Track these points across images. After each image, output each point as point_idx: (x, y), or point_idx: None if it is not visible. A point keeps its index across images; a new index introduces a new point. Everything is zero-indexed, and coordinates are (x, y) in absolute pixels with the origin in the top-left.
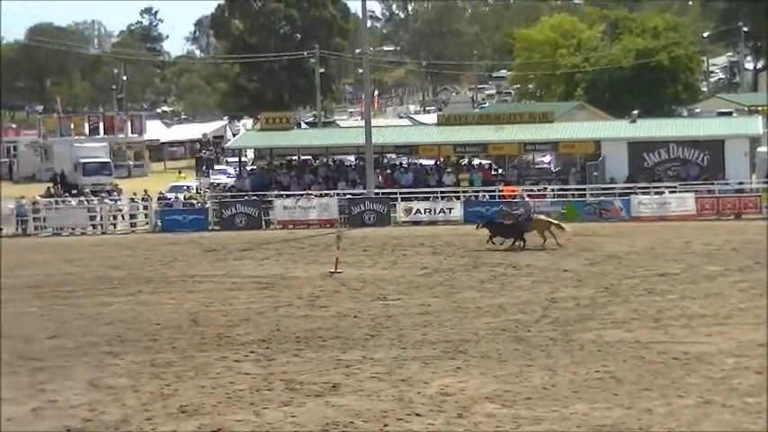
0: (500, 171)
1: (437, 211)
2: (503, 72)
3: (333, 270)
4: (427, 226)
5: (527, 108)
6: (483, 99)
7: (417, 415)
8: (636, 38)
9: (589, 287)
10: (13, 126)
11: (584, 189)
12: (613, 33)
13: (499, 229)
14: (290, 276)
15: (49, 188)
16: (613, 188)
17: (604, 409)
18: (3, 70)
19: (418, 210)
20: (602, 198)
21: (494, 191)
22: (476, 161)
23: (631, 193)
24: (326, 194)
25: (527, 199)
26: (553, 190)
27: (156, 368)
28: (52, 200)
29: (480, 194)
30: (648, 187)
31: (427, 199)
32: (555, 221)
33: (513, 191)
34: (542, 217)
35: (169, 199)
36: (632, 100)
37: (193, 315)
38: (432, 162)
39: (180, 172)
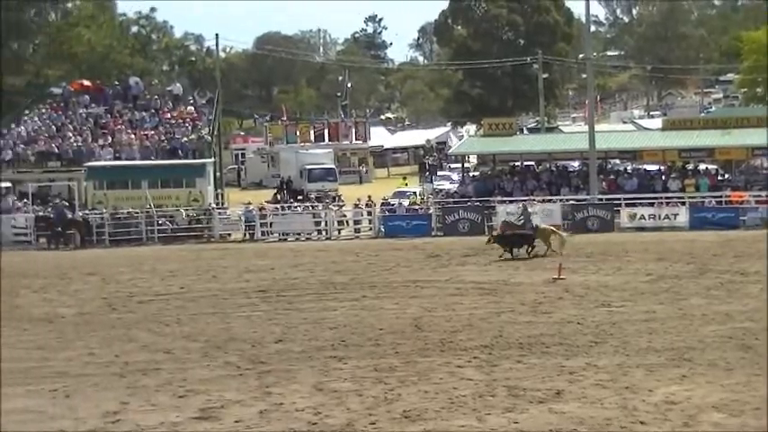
0: (727, 176)
1: (662, 216)
2: (729, 76)
3: (556, 276)
4: (652, 232)
5: (755, 112)
6: (709, 103)
7: (642, 423)
8: None
9: None
10: (242, 133)
11: None
12: None
13: (510, 241)
14: (512, 282)
15: (275, 194)
16: None
17: None
18: (231, 78)
19: (642, 215)
20: None
21: (720, 196)
22: (702, 166)
23: None
24: (549, 200)
25: (529, 209)
26: None
27: (380, 373)
28: (278, 205)
29: (707, 200)
30: None
31: (652, 205)
32: (557, 231)
33: (741, 196)
34: (546, 226)
35: (392, 205)
36: None
37: (416, 320)
38: (656, 167)
39: (404, 178)
